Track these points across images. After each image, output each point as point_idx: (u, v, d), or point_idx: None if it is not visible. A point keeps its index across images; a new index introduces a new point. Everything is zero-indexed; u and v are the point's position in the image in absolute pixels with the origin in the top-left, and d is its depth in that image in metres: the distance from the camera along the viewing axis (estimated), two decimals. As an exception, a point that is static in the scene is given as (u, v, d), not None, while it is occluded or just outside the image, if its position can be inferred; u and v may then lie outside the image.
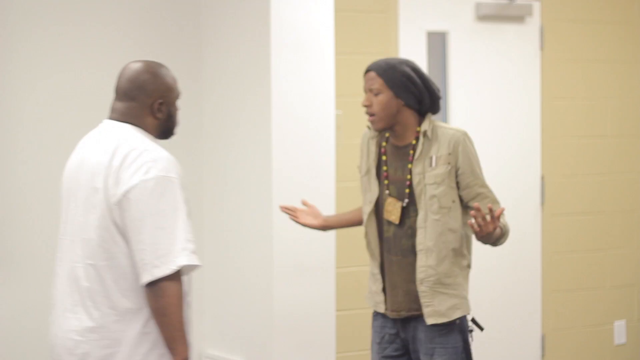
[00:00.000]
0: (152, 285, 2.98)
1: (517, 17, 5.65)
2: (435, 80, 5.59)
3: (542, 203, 5.78)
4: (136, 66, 3.25)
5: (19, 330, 4.77)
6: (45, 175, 4.78)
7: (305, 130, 4.79)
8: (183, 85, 5.07)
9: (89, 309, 3.09)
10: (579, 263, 5.88)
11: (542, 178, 5.78)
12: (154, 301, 3.00)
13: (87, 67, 4.87)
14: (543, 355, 5.81)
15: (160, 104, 3.24)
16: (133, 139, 3.15)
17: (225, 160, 5.01)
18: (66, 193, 3.22)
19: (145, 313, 3.05)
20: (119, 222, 3.04)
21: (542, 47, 5.74)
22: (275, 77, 4.69)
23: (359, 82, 5.32)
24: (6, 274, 4.75)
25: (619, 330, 5.98)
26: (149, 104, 3.22)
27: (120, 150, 3.10)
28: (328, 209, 4.80)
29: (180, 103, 5.17)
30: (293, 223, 4.72)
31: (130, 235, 3.02)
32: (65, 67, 4.83)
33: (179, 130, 5.05)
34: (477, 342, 5.05)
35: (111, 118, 3.25)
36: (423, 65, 5.42)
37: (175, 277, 2.99)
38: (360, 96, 5.30)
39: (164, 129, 3.31)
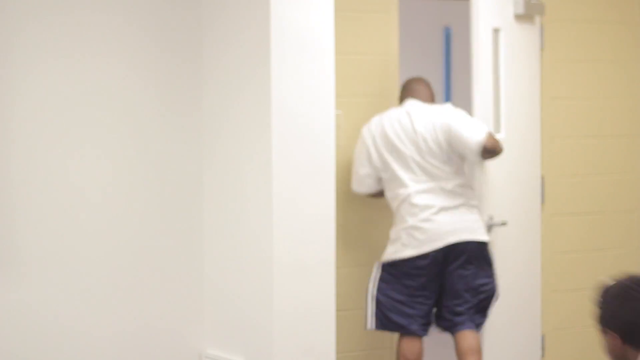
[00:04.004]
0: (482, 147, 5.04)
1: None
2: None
3: (542, 203, 5.78)
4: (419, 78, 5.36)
5: (19, 331, 4.77)
6: (46, 174, 4.78)
7: (305, 130, 4.79)
8: (183, 85, 5.09)
9: (460, 207, 5.10)
10: (579, 263, 5.88)
11: (542, 178, 5.78)
12: (489, 147, 5.05)
13: (86, 65, 4.87)
14: (543, 355, 5.81)
15: None
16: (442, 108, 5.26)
17: (225, 160, 5.01)
18: (397, 145, 5.13)
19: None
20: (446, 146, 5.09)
21: (542, 47, 5.73)
22: (275, 77, 4.69)
23: (359, 82, 5.33)
24: (7, 274, 4.75)
25: (619, 330, 5.98)
26: None
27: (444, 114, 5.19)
28: (328, 209, 4.81)
29: (179, 103, 5.19)
30: (293, 223, 4.73)
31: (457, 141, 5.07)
32: (65, 65, 4.82)
33: (178, 130, 5.07)
34: (477, 342, 5.06)
35: (417, 98, 5.24)
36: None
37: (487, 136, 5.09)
38: (360, 96, 5.32)
39: None
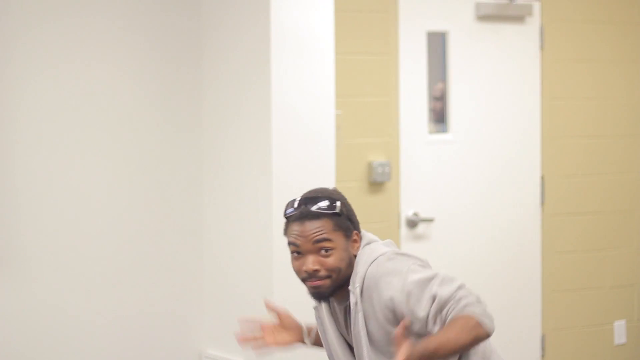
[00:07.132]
0: None
1: (517, 17, 5.65)
2: (435, 80, 5.61)
3: (542, 203, 5.78)
4: None
5: (22, 328, 4.77)
6: (48, 174, 4.79)
7: (305, 130, 4.79)
8: (183, 86, 5.09)
9: None
10: (579, 263, 5.87)
11: (542, 178, 5.78)
12: None
13: (86, 67, 4.87)
14: (543, 355, 5.81)
15: None
16: None
17: (225, 160, 5.02)
18: None
19: None
20: None
21: (542, 47, 5.74)
22: (275, 77, 4.70)
23: (359, 82, 5.33)
24: (7, 274, 4.75)
25: (619, 330, 5.99)
26: None
27: None
28: (328, 208, 4.80)
29: (180, 103, 5.18)
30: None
31: None
32: (66, 69, 4.83)
33: (178, 130, 5.07)
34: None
35: None
36: (423, 65, 5.42)
37: None
38: (360, 96, 5.32)
39: None
